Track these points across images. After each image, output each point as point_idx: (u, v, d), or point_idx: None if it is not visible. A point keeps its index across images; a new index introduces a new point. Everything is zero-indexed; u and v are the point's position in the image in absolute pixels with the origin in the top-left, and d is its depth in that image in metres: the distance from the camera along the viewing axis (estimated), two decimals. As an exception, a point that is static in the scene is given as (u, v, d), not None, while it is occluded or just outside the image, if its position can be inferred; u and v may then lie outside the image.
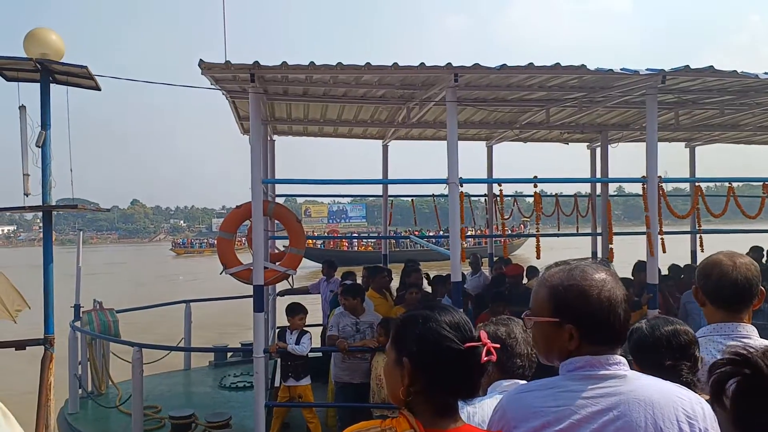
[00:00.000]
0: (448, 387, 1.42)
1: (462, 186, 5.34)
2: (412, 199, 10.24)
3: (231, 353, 8.98)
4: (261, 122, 7.04)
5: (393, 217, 9.91)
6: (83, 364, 6.67)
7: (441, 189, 5.75)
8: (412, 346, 1.44)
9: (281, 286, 8.08)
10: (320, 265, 8.62)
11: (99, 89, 5.54)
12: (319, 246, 37.87)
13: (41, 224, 5.31)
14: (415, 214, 10.26)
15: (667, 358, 1.97)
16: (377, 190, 10.99)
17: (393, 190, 9.99)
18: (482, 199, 10.34)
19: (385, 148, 9.56)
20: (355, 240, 43.83)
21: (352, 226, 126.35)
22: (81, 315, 6.76)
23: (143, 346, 5.71)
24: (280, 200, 9.35)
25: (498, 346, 1.48)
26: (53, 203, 5.20)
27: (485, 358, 1.41)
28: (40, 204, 5.16)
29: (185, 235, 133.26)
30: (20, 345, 5.42)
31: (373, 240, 42.84)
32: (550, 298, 1.50)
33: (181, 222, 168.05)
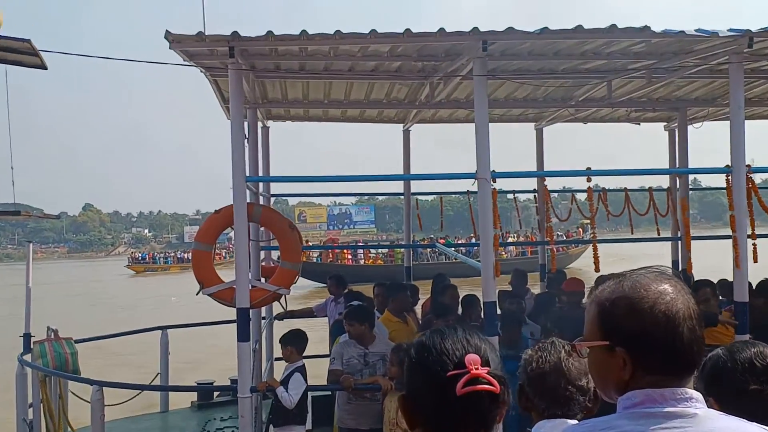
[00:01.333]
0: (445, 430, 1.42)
1: (495, 181, 5.34)
2: (440, 198, 10.26)
3: (218, 392, 9.12)
4: (246, 105, 7.16)
5: (411, 221, 9.92)
6: (35, 406, 6.83)
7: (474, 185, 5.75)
8: (415, 372, 1.47)
9: (277, 308, 8.21)
10: (316, 283, 8.71)
11: (45, 68, 5.70)
12: (314, 259, 37.50)
13: None
14: (442, 216, 10.27)
15: (750, 383, 1.95)
16: (392, 187, 11.03)
17: (416, 186, 10.03)
18: (532, 196, 10.29)
19: (407, 134, 9.60)
20: (361, 250, 42.57)
21: (357, 233, 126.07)
22: (32, 346, 6.95)
23: (106, 385, 5.86)
24: (271, 201, 9.44)
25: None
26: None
27: (463, 389, 1.38)
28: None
29: (150, 248, 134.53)
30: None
31: (384, 250, 42.72)
32: (598, 317, 1.50)
33: (146, 231, 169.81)
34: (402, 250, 38.19)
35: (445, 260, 38.34)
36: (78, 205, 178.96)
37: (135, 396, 7.67)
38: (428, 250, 37.81)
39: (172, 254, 77.61)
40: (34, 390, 6.78)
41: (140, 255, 78.64)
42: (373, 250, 42.56)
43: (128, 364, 14.58)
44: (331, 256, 38.34)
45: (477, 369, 1.41)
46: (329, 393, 7.08)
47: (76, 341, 7.15)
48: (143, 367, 12.83)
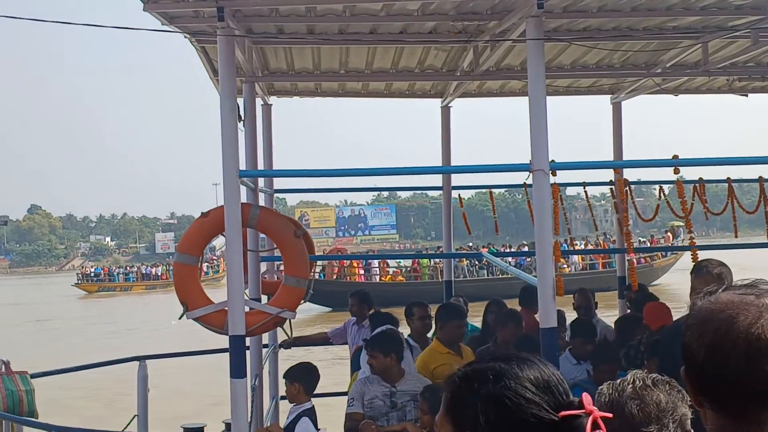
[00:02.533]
0: None
1: (555, 173, 5.30)
2: (490, 193, 10.22)
3: (209, 439, 9.18)
4: (242, 78, 7.20)
5: (451, 223, 9.88)
6: (-18, 457, 6.96)
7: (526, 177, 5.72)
8: (479, 415, 1.48)
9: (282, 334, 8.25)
10: (320, 307, 8.78)
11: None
12: (316, 275, 36.46)
13: None
14: (495, 215, 10.24)
15: None
16: (421, 180, 11.01)
17: (458, 180, 10.03)
18: (608, 190, 10.19)
19: (446, 112, 9.59)
20: (376, 264, 40.20)
21: (375, 241, 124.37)
22: (-22, 382, 7.07)
23: (68, 431, 5.94)
24: (273, 200, 9.49)
25: (610, 415, 1.50)
26: None
27: None
28: None
29: (113, 260, 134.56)
30: None
31: (407, 263, 40.51)
32: (686, 345, 1.50)
33: (107, 239, 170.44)
34: (429, 264, 37.79)
35: (488, 275, 37.97)
36: (22, 207, 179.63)
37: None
38: (466, 262, 37.35)
39: (136, 269, 75.79)
40: (-20, 437, 6.89)
41: (91, 271, 76.39)
42: (392, 265, 40.51)
43: (97, 404, 14.77)
44: (336, 270, 37.02)
45: (594, 410, 1.47)
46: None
47: (32, 376, 7.26)
48: (116, 405, 13.02)
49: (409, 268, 40.07)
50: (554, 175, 5.32)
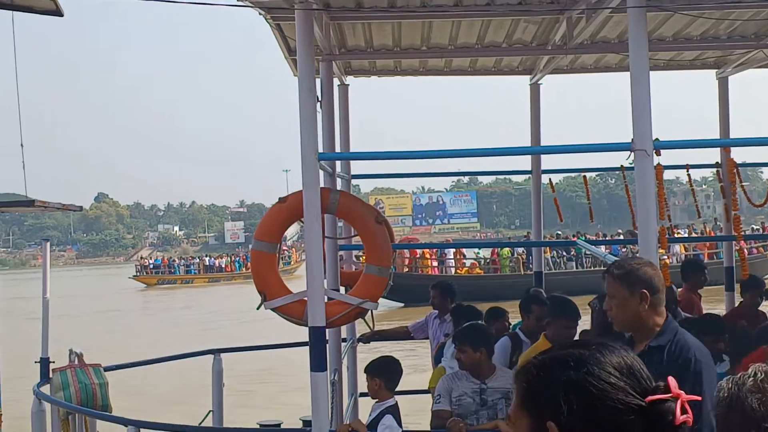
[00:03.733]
0: None
1: (659, 153, 5.19)
2: (583, 177, 10.08)
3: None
4: (319, 56, 7.23)
5: (541, 209, 9.76)
6: (56, 452, 7.18)
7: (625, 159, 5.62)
8: (560, 403, 1.49)
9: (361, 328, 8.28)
10: (390, 302, 8.77)
11: (60, 14, 5.94)
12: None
13: None
14: (589, 200, 10.08)
15: None
16: (503, 164, 10.91)
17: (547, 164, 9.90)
18: (712, 173, 9.97)
19: (535, 89, 9.50)
20: (451, 256, 38.40)
21: (454, 230, 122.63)
22: (51, 375, 7.29)
23: (145, 425, 6.08)
24: (350, 185, 9.54)
25: (698, 398, 1.56)
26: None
27: (681, 418, 1.48)
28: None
29: (182, 250, 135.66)
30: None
31: (485, 253, 39.42)
32: None
33: (175, 228, 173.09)
34: (510, 255, 37.00)
35: (576, 267, 36.98)
36: (89, 195, 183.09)
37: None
38: (551, 253, 36.44)
39: (197, 261, 75.52)
40: (54, 431, 7.10)
41: (151, 262, 76.20)
42: (470, 256, 39.40)
43: (171, 398, 15.12)
44: (407, 262, 35.53)
45: (682, 394, 1.52)
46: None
47: (105, 369, 7.46)
48: (189, 402, 13.31)
49: (487, 260, 38.89)
50: (658, 155, 5.20)
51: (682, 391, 1.51)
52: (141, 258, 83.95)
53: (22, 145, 6.22)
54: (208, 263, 73.25)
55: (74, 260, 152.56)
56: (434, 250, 38.03)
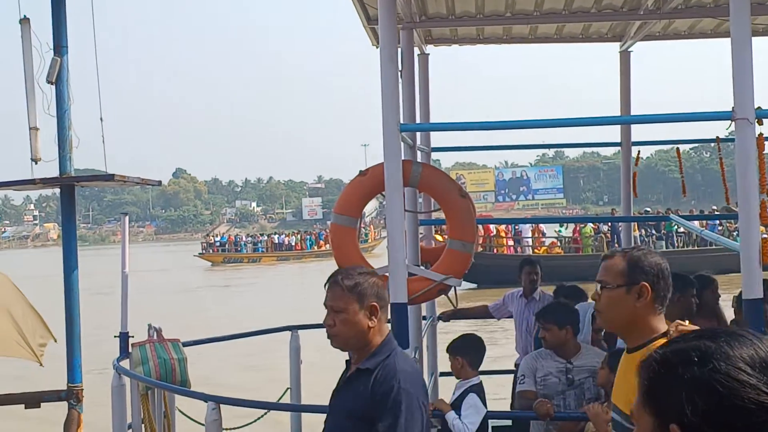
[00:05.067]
0: None
1: (761, 123, 5.10)
2: (677, 150, 9.92)
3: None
4: (399, 25, 7.25)
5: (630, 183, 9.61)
6: (135, 426, 7.41)
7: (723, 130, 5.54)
8: (683, 404, 1.44)
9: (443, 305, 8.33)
10: (464, 284, 8.72)
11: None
12: None
13: (36, 213, 6.04)
14: (682, 174, 9.90)
15: None
16: (589, 135, 10.75)
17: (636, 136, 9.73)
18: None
19: (626, 57, 9.37)
20: (528, 234, 37.28)
21: (539, 206, 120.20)
22: (130, 350, 7.51)
23: (224, 401, 6.21)
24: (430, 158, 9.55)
25: None
26: (74, 173, 5.85)
27: None
28: (57, 175, 5.81)
29: (259, 226, 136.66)
30: (32, 400, 6.06)
31: (567, 231, 37.88)
32: None
33: (253, 204, 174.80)
34: (592, 234, 35.93)
35: (666, 247, 35.59)
36: (167, 171, 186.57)
37: (260, 417, 8.08)
38: (642, 232, 35.57)
39: (266, 239, 75.64)
40: (133, 406, 7.31)
41: (217, 240, 77.59)
42: (550, 234, 38.31)
43: (248, 374, 15.44)
44: (481, 241, 33.06)
45: None
46: (515, 423, 7.12)
47: (184, 344, 7.64)
48: (268, 376, 13.58)
49: (568, 239, 37.87)
50: (760, 124, 5.10)
51: None
52: (206, 235, 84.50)
53: (101, 119, 6.39)
54: (277, 241, 73.10)
55: (153, 236, 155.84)
56: (509, 229, 37.31)
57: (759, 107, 5.06)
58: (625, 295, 3.23)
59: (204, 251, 70.55)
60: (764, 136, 5.30)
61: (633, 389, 1.60)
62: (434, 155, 9.82)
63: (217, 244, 74.59)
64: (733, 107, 4.99)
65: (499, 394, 9.11)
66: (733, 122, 4.99)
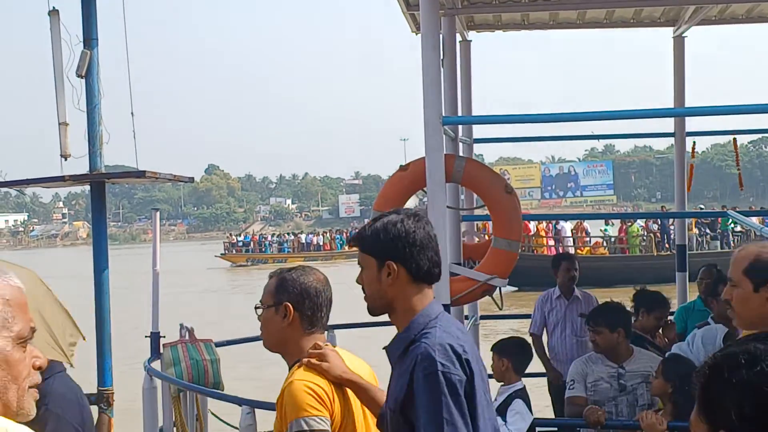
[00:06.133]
0: None
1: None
2: (734, 141, 9.78)
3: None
4: (440, 10, 7.19)
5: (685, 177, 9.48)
6: (166, 430, 7.41)
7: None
8: (733, 409, 1.45)
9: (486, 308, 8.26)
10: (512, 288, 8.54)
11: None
12: None
13: (65, 210, 6.07)
14: (739, 167, 9.77)
15: None
16: (642, 126, 10.56)
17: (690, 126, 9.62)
18: None
19: (680, 43, 9.26)
20: (569, 235, 35.98)
21: (588, 203, 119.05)
22: (161, 350, 7.52)
23: (259, 405, 6.19)
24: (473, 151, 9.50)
25: None
26: (104, 170, 5.87)
27: None
28: (87, 172, 5.83)
29: (294, 224, 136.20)
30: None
31: (613, 230, 37.14)
32: None
33: (288, 202, 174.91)
34: (640, 233, 35.00)
35: (723, 247, 34.24)
36: (200, 167, 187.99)
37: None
38: (696, 231, 34.80)
39: (293, 239, 73.67)
40: (165, 409, 7.32)
41: (240, 239, 76.10)
42: (595, 234, 37.11)
43: (272, 379, 15.44)
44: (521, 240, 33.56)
45: None
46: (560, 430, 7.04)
47: (217, 344, 7.64)
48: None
49: (614, 239, 36.99)
50: (827, 115, 4.99)
51: None
52: (229, 235, 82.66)
53: (132, 113, 6.41)
54: (304, 241, 71.71)
55: (185, 235, 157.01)
56: (549, 228, 36.50)
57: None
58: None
59: (226, 251, 69.56)
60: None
61: None
62: (477, 150, 9.81)
63: (240, 244, 73.36)
64: (797, 97, 4.86)
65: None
66: (798, 113, 4.88)
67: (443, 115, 5.61)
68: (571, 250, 33.49)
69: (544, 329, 8.38)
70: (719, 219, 32.63)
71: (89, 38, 5.90)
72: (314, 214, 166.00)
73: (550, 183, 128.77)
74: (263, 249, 71.40)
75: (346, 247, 67.12)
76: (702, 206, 37.91)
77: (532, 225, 34.01)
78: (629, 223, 35.92)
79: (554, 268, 8.41)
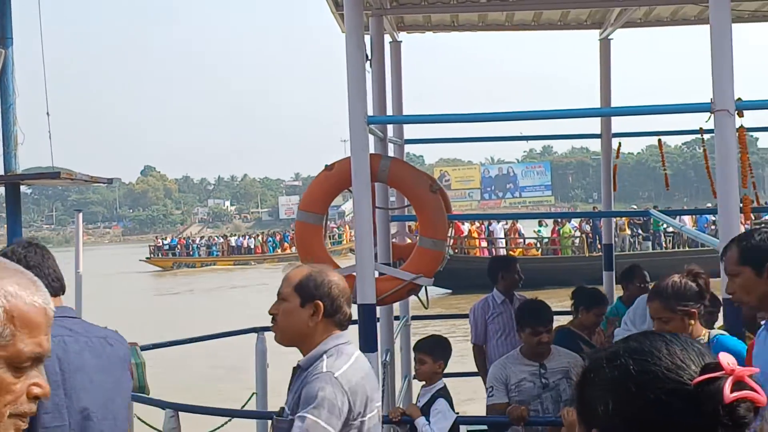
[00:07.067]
0: None
1: (742, 115, 5.10)
2: (659, 141, 9.95)
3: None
4: (368, 11, 7.22)
5: (612, 177, 9.62)
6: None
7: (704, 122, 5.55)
8: (600, 407, 1.49)
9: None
10: (435, 289, 8.47)
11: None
12: None
13: None
14: (665, 167, 9.92)
15: None
16: (573, 126, 10.67)
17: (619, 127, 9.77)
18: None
19: (605, 45, 9.39)
20: (502, 236, 35.80)
21: (526, 204, 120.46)
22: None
23: (183, 409, 6.18)
24: (404, 151, 9.52)
25: (756, 370, 1.48)
26: (20, 170, 5.77)
27: (732, 396, 1.40)
28: (1, 173, 5.73)
29: (233, 226, 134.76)
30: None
31: (545, 231, 36.80)
32: None
33: (226, 203, 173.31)
34: (572, 234, 35.36)
35: (653, 248, 34.91)
36: (135, 168, 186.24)
37: (223, 425, 8.03)
38: (628, 231, 35.10)
39: (222, 241, 72.16)
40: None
41: (166, 242, 73.53)
42: (529, 235, 37.33)
43: (212, 379, 15.39)
44: (452, 243, 31.93)
45: (737, 369, 1.44)
46: (491, 428, 7.11)
47: (143, 348, 7.58)
48: (233, 381, 13.54)
49: (546, 240, 37.03)
50: (741, 116, 5.10)
51: (738, 367, 1.43)
52: (155, 240, 79.53)
53: (48, 113, 6.32)
54: (234, 244, 69.74)
55: (120, 237, 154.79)
56: (482, 229, 36.52)
57: (740, 98, 5.07)
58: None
59: (152, 255, 67.39)
60: (745, 128, 5.32)
61: None
62: (418, 151, 9.86)
63: (166, 247, 70.88)
64: (712, 98, 4.99)
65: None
66: (713, 114, 4.99)
67: (369, 114, 5.67)
68: (503, 252, 33.26)
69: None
70: (651, 220, 33.00)
71: (4, 37, 5.79)
72: (254, 215, 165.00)
73: (489, 184, 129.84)
74: (191, 252, 69.45)
75: (279, 250, 66.66)
76: (635, 206, 38.24)
77: (465, 227, 34.02)
78: (561, 224, 36.04)
79: (499, 271, 8.00)
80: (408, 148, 10.30)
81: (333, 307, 3.46)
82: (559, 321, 7.15)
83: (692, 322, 4.26)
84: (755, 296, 3.58)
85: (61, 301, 3.43)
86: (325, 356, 3.42)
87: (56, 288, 3.38)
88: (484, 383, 7.83)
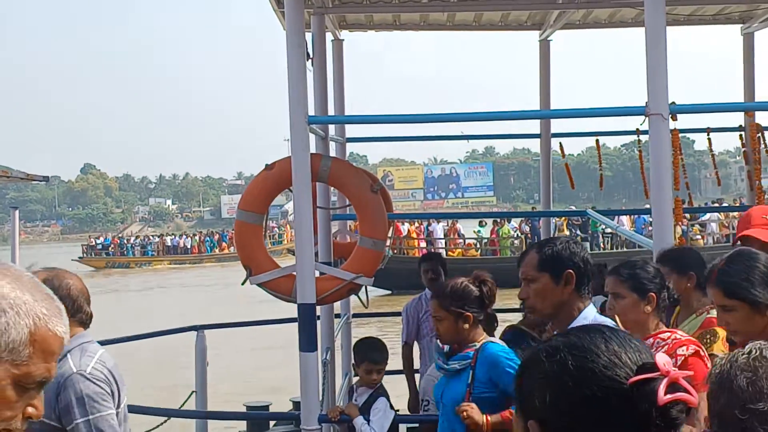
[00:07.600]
0: None
1: (675, 118, 5.20)
2: (596, 141, 10.10)
3: (274, 421, 9.37)
4: (309, 9, 7.22)
5: (550, 178, 9.74)
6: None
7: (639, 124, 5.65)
8: (538, 399, 1.52)
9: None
10: (375, 290, 8.41)
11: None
12: None
13: None
14: (601, 167, 10.07)
15: None
16: (516, 128, 10.73)
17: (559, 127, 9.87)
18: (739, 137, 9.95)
19: (545, 47, 9.50)
20: (441, 236, 35.78)
21: (469, 204, 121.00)
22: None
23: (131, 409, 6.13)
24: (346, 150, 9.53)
25: (690, 373, 1.51)
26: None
27: (666, 398, 1.43)
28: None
29: (175, 225, 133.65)
30: None
31: (485, 231, 36.55)
32: None
33: (168, 202, 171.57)
34: (511, 234, 35.47)
35: (592, 248, 34.46)
36: (75, 166, 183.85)
37: (161, 425, 7.97)
38: (567, 232, 35.17)
39: (158, 240, 70.48)
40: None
41: (99, 242, 71.72)
42: (469, 235, 37.08)
43: (151, 378, 15.23)
44: (391, 243, 30.59)
45: (672, 371, 1.46)
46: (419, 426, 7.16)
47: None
48: (171, 380, 13.43)
49: (485, 241, 36.90)
50: (675, 119, 5.20)
51: (673, 369, 1.47)
52: (89, 239, 76.98)
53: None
54: (170, 244, 68.13)
55: (59, 236, 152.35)
56: (421, 229, 36.60)
57: (673, 102, 5.16)
58: None
59: (85, 254, 65.71)
60: (678, 131, 5.43)
61: None
62: (362, 150, 9.84)
63: (100, 246, 69.29)
64: (646, 102, 5.08)
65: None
66: (647, 118, 5.08)
67: (310, 114, 5.68)
68: (443, 253, 31.99)
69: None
70: (589, 220, 33.33)
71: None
72: (195, 214, 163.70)
73: (432, 184, 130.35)
74: (125, 252, 67.89)
75: (217, 250, 65.72)
76: (574, 207, 38.40)
77: (405, 227, 33.99)
78: (500, 224, 36.04)
79: (434, 267, 7.89)
80: (351, 147, 10.32)
81: (74, 307, 3.63)
82: (509, 320, 7.28)
83: (466, 326, 4.39)
84: (550, 304, 3.64)
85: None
86: (69, 355, 3.58)
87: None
88: (408, 383, 7.99)
